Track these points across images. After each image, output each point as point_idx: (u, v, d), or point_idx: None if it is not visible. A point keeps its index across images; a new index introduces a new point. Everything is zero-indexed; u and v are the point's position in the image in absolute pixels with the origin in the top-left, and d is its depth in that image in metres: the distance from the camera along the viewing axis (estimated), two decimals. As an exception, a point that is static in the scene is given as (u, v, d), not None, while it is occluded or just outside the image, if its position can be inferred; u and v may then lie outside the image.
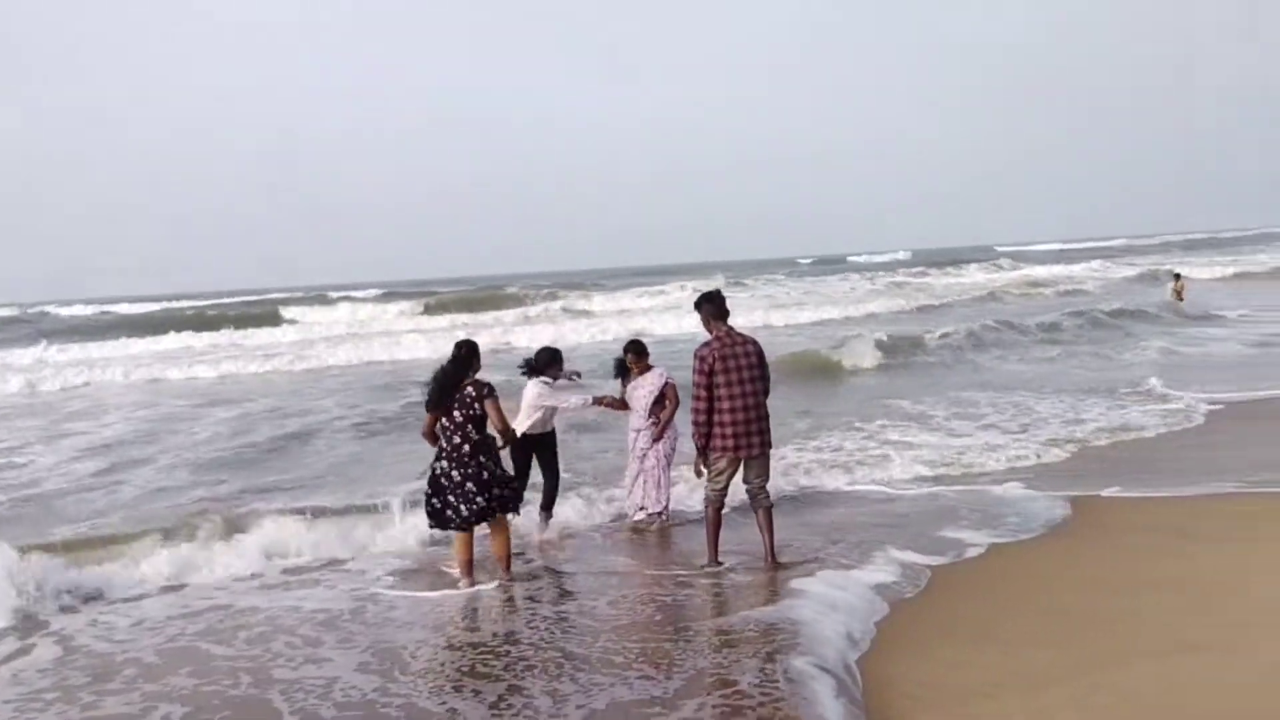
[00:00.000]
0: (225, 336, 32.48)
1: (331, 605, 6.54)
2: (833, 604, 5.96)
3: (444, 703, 4.93)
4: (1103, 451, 10.28)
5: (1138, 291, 34.29)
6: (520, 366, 8.27)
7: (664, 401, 8.20)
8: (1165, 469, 9.05)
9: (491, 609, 6.48)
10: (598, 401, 8.46)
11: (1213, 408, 11.96)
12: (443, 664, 5.54)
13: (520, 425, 7.78)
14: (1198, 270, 42.23)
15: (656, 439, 8.19)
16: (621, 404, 8.42)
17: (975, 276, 50.32)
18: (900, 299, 35.91)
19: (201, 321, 38.38)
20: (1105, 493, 8.26)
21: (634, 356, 8.37)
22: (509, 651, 5.59)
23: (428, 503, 6.79)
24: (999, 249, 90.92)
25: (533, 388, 8.01)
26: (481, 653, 5.61)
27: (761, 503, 6.81)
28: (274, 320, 37.87)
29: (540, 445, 8.11)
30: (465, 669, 5.39)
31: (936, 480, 9.32)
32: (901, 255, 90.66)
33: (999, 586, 6.24)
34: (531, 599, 6.60)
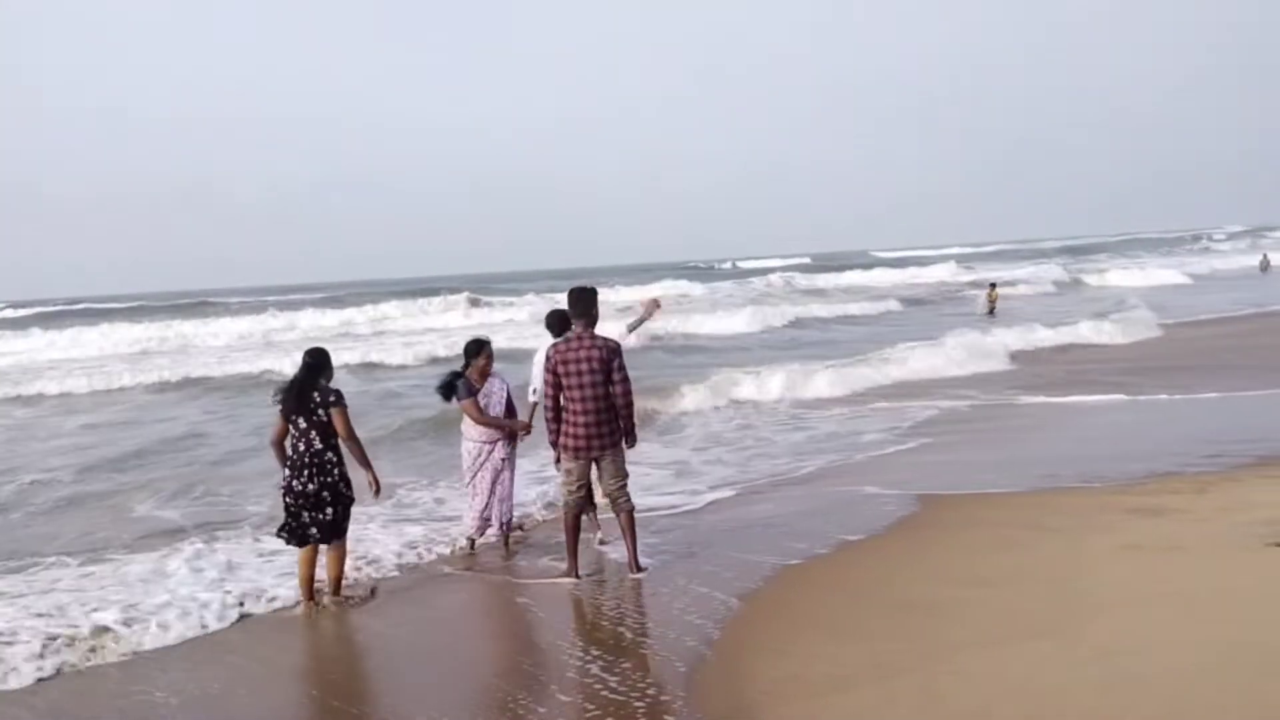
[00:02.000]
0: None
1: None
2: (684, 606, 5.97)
3: None
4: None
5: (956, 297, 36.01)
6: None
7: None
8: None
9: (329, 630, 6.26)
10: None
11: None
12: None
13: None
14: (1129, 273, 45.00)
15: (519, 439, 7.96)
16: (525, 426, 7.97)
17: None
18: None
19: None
20: (947, 491, 8.63)
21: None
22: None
23: (285, 516, 6.54)
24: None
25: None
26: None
27: (622, 506, 6.74)
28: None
29: None
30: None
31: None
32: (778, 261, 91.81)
33: (851, 583, 6.41)
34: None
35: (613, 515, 6.91)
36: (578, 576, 6.81)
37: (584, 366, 6.50)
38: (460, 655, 5.88)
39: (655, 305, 8.22)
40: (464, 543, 7.94)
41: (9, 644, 5.88)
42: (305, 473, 6.41)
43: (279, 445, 6.57)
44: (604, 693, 4.96)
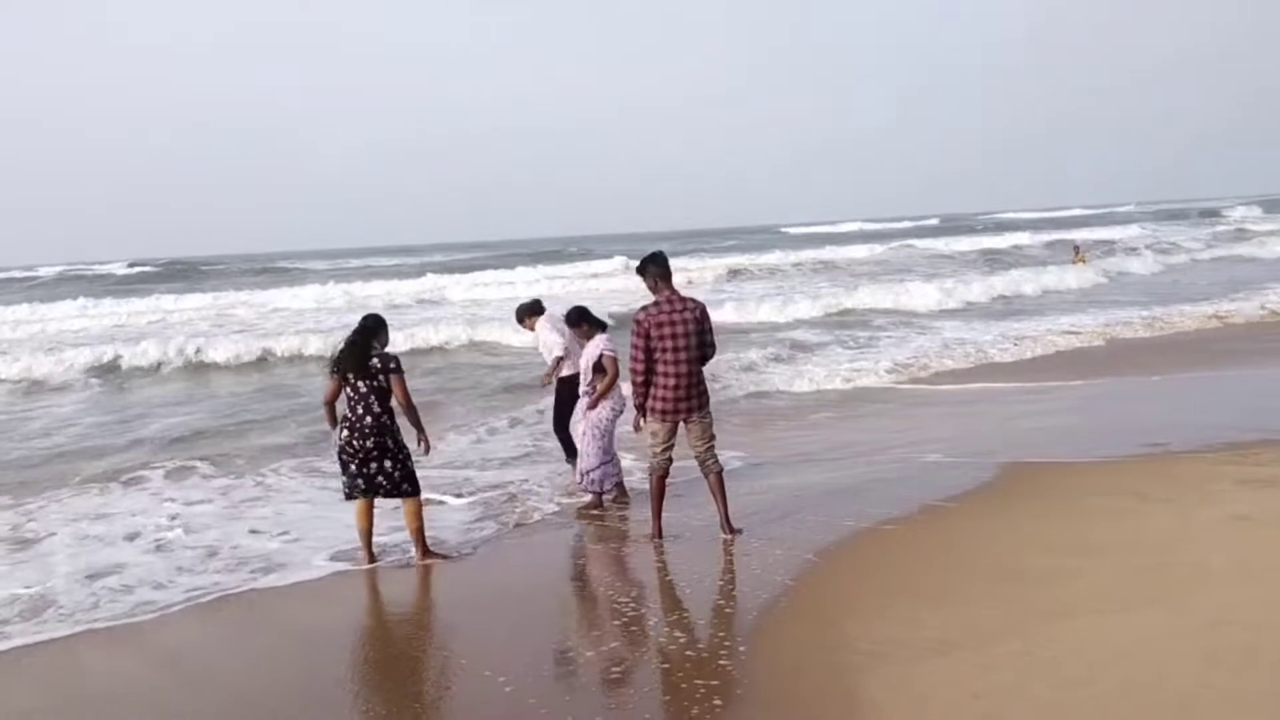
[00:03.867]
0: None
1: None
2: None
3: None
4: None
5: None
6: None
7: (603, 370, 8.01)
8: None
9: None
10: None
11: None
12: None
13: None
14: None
15: (589, 408, 8.05)
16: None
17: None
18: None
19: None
20: (1030, 458, 8.48)
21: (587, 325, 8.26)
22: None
23: (343, 474, 6.81)
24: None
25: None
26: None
27: (710, 468, 6.77)
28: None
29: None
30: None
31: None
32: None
33: (945, 549, 6.37)
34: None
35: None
36: (661, 537, 6.90)
37: (680, 329, 6.50)
38: (543, 612, 5.99)
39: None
40: (587, 498, 8.14)
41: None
42: (364, 433, 6.63)
43: (331, 405, 6.85)
44: (688, 652, 5.04)
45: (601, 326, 8.23)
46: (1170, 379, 12.81)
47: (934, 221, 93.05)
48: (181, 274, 52.44)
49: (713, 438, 6.79)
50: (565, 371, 8.77)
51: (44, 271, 60.45)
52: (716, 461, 6.78)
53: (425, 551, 6.87)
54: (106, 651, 5.70)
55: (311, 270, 51.45)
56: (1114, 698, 4.18)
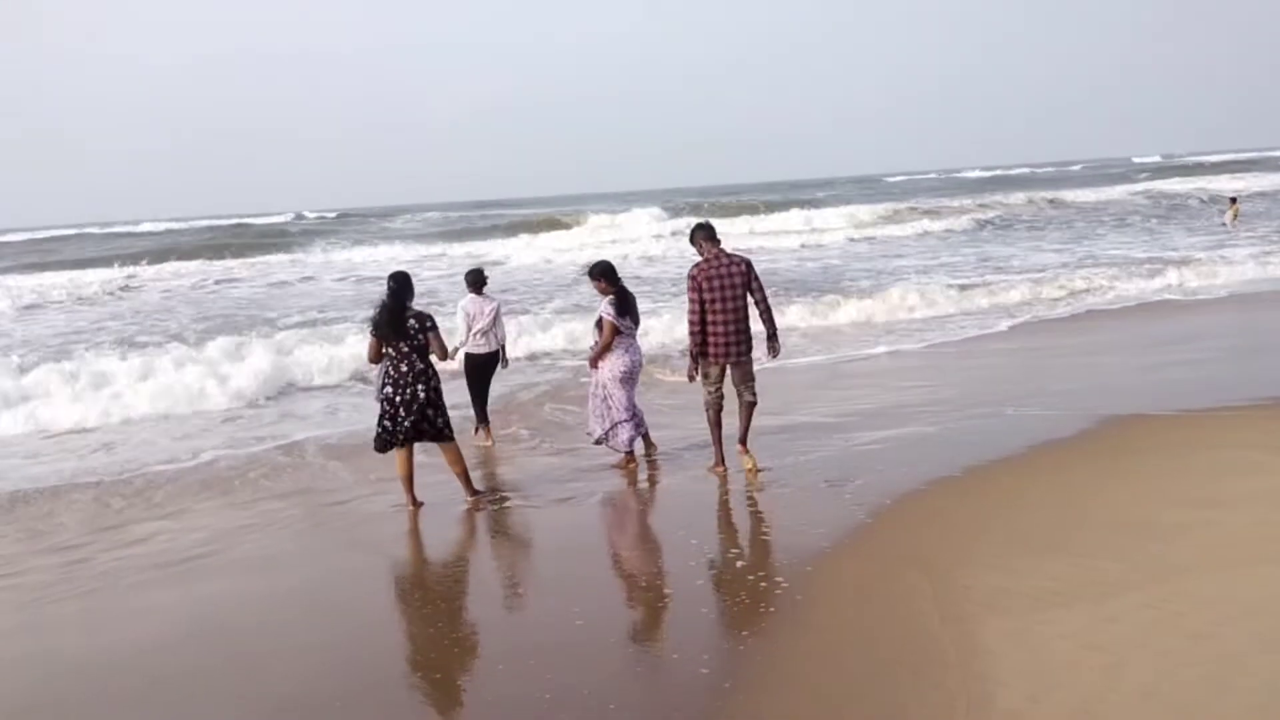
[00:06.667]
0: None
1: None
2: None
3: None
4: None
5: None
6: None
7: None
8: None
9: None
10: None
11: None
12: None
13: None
14: None
15: (591, 366, 8.01)
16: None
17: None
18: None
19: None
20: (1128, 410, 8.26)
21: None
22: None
23: (379, 425, 7.10)
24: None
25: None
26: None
27: (746, 399, 7.51)
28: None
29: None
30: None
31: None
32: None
33: (1060, 501, 6.24)
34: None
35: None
36: (723, 466, 7.46)
37: (726, 282, 7.21)
38: (616, 548, 6.17)
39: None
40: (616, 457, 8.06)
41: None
42: (411, 388, 6.98)
43: (376, 363, 7.17)
44: (776, 593, 5.08)
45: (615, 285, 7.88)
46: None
47: (1076, 168, 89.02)
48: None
49: (753, 378, 7.49)
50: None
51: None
52: (751, 394, 7.51)
53: (472, 490, 7.26)
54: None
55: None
56: (1243, 653, 4.07)
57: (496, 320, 9.02)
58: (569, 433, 9.18)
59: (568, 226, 44.16)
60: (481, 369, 9.03)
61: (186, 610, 5.60)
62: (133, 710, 4.49)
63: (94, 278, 28.66)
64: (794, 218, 40.97)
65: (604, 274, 7.90)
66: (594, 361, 7.96)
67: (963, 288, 17.53)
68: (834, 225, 37.82)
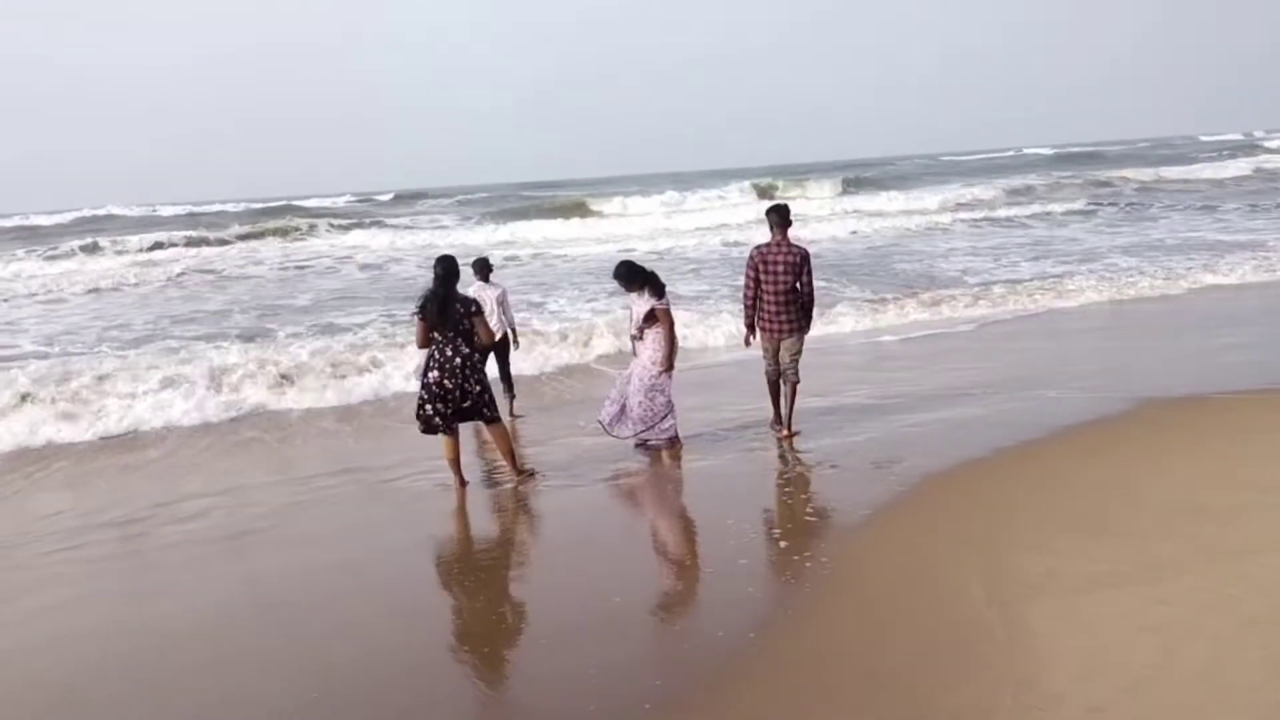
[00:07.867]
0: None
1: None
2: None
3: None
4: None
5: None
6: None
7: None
8: None
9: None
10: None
11: None
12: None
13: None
14: None
15: (667, 372, 7.80)
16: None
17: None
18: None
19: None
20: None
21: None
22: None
23: (420, 409, 7.18)
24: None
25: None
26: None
27: (789, 378, 7.99)
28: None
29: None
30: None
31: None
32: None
33: (1110, 483, 6.16)
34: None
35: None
36: (780, 423, 8.05)
37: (780, 267, 7.82)
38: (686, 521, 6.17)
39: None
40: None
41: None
42: (459, 373, 7.05)
43: (425, 348, 7.22)
44: (822, 573, 5.08)
45: (644, 285, 7.78)
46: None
47: (1144, 144, 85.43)
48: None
49: (799, 355, 7.94)
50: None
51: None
52: (796, 374, 7.97)
53: (518, 469, 7.38)
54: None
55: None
56: (1301, 636, 4.00)
57: (504, 306, 9.59)
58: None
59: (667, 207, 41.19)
60: (493, 351, 9.27)
61: (242, 585, 5.74)
62: (199, 678, 4.61)
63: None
64: (893, 199, 38.14)
65: (636, 276, 7.70)
66: (671, 364, 7.74)
67: None
68: (928, 207, 35.04)
